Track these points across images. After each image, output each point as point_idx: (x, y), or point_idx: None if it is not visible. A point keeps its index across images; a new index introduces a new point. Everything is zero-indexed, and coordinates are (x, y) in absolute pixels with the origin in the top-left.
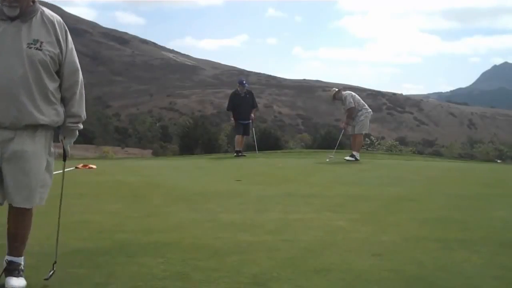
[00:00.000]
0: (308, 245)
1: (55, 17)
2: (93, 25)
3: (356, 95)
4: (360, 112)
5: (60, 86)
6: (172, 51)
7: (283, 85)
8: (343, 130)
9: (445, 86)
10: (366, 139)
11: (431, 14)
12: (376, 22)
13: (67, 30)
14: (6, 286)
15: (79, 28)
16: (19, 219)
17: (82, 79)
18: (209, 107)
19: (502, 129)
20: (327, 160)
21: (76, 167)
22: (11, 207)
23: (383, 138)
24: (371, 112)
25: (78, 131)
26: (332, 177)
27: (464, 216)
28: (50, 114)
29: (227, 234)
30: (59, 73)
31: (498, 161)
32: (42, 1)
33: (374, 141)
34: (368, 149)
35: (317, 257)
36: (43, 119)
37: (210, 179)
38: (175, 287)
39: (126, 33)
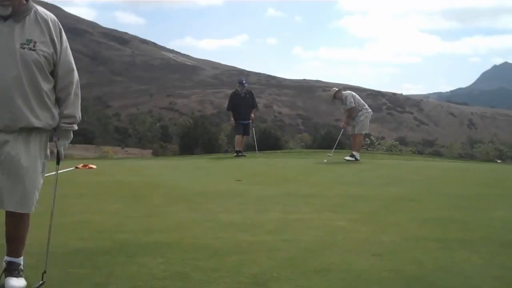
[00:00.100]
0: (308, 245)
1: (49, 15)
2: (93, 25)
3: (357, 95)
4: (360, 112)
5: (54, 87)
6: (172, 51)
7: (283, 85)
8: (342, 130)
9: (445, 86)
10: (366, 139)
11: (431, 14)
12: (376, 22)
13: (62, 28)
14: (6, 286)
15: (79, 28)
16: (16, 222)
17: (78, 79)
18: (209, 107)
19: (502, 129)
20: (325, 160)
21: (76, 167)
22: (7, 211)
23: (383, 138)
24: (371, 112)
25: (78, 131)
26: (332, 177)
27: (464, 216)
28: (45, 117)
29: (227, 234)
30: (53, 73)
31: (498, 161)
32: (42, 1)
33: (374, 141)
34: (368, 149)
35: (317, 257)
36: (38, 122)
37: (210, 179)
38: (175, 287)
39: (126, 33)
